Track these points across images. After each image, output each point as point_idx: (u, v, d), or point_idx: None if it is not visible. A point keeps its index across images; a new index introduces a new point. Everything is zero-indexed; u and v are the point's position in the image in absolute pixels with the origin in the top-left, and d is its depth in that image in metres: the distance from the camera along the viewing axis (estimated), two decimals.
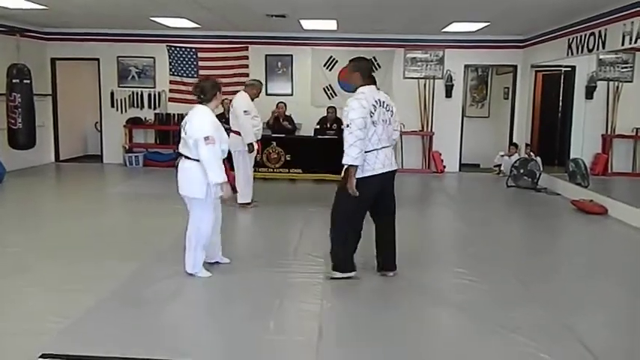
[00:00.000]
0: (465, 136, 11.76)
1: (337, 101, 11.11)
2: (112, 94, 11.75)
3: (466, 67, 11.60)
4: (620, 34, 7.43)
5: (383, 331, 3.74)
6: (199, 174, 4.47)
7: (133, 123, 11.71)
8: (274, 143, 9.50)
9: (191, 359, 3.25)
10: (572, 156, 9.41)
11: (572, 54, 9.02)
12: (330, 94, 11.52)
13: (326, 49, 11.47)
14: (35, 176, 10.07)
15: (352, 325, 3.90)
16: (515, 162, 10.00)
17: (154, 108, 11.73)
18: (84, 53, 11.58)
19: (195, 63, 11.45)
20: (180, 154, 4.64)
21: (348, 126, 4.31)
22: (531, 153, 10.21)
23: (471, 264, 5.20)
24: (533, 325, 3.83)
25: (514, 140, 11.36)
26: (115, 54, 11.63)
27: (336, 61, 11.40)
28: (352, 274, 4.67)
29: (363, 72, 4.57)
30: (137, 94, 11.75)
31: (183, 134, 4.54)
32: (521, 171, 9.74)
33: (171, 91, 11.56)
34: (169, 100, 11.61)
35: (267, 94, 10.59)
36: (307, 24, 10.01)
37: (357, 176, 4.40)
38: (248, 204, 7.41)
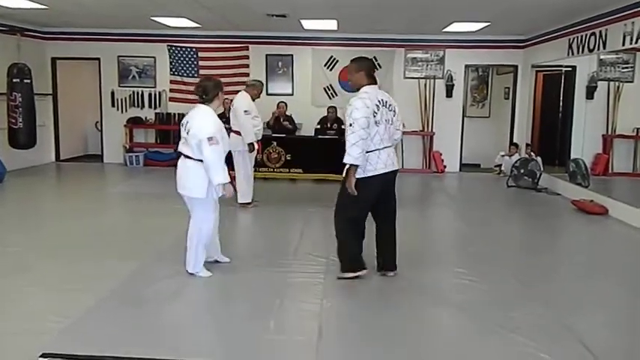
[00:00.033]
0: (465, 136, 11.76)
1: (338, 101, 11.14)
2: (113, 93, 11.76)
3: (467, 67, 11.60)
4: (620, 35, 7.43)
5: (383, 330, 3.75)
6: (200, 174, 4.47)
7: (134, 123, 11.72)
8: (275, 143, 9.50)
9: (191, 359, 3.25)
10: (572, 156, 9.41)
11: (572, 54, 9.01)
12: (331, 94, 11.52)
13: (326, 48, 11.47)
14: (36, 176, 10.08)
15: (352, 325, 3.90)
16: (516, 162, 10.00)
17: (155, 108, 11.74)
18: (84, 53, 11.59)
19: (195, 63, 11.45)
20: (181, 153, 4.64)
21: (351, 125, 4.31)
22: (532, 153, 10.21)
23: (471, 264, 5.20)
24: (533, 325, 3.83)
25: (514, 140, 11.37)
26: (115, 53, 11.63)
27: (337, 61, 11.40)
28: (363, 272, 4.66)
29: (366, 72, 4.58)
30: (138, 93, 11.76)
31: (184, 133, 4.53)
32: (522, 171, 9.74)
33: (171, 90, 11.57)
34: (170, 100, 11.62)
35: (267, 94, 10.59)
36: (308, 24, 10.01)
37: (359, 176, 4.40)
38: (248, 204, 7.42)
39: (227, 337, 3.68)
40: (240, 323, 3.82)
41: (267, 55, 11.55)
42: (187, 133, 4.46)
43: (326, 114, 10.45)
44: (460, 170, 11.70)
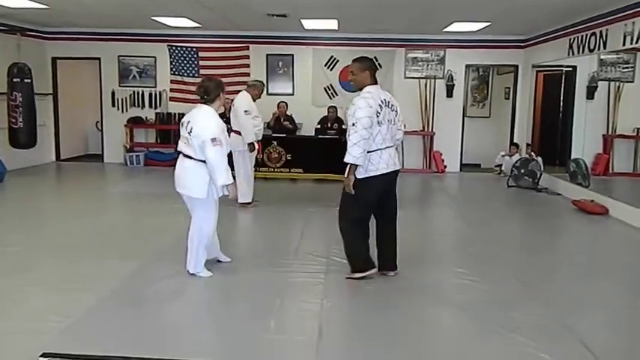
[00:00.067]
0: (465, 136, 11.76)
1: (338, 101, 11.15)
2: (113, 93, 11.75)
3: (467, 66, 11.60)
4: (621, 35, 7.43)
5: (383, 330, 3.74)
6: (201, 174, 4.46)
7: (134, 122, 11.72)
8: (275, 143, 9.51)
9: (192, 359, 3.25)
10: (573, 156, 9.41)
11: (573, 54, 9.01)
12: (331, 93, 11.52)
13: (327, 48, 11.47)
14: (36, 175, 10.08)
15: (352, 325, 3.91)
16: (516, 162, 10.00)
17: (155, 107, 11.74)
18: (85, 52, 11.59)
19: (196, 62, 11.45)
20: (180, 152, 4.64)
21: (353, 125, 4.31)
22: (532, 153, 10.21)
23: (471, 264, 5.20)
24: (534, 324, 3.83)
25: (515, 140, 11.37)
26: (115, 53, 11.63)
27: (337, 61, 11.41)
28: (372, 271, 4.66)
29: (371, 72, 4.58)
30: (138, 93, 11.75)
31: (184, 133, 4.51)
32: (522, 171, 9.74)
33: (172, 90, 11.56)
34: (170, 100, 11.62)
35: (268, 94, 10.58)
36: (308, 24, 10.01)
37: (361, 176, 4.41)
38: (248, 203, 7.41)
39: (227, 336, 3.68)
40: (241, 323, 3.82)
41: (267, 55, 11.55)
42: (189, 133, 4.45)
43: (326, 114, 10.45)
44: (460, 170, 11.70)
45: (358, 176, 4.43)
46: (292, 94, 11.49)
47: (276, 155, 9.50)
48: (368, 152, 4.38)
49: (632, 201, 7.31)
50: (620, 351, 3.58)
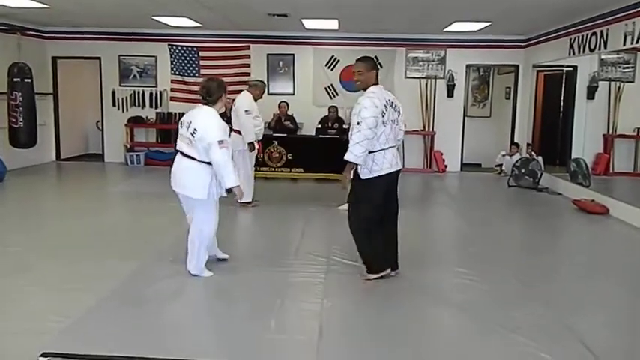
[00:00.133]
0: (466, 136, 11.77)
1: (339, 101, 11.16)
2: (114, 93, 11.76)
3: (468, 66, 11.60)
4: (621, 34, 7.43)
5: (384, 330, 3.75)
6: (203, 175, 4.46)
7: (135, 122, 11.73)
8: (276, 142, 9.50)
9: (192, 358, 3.25)
10: (573, 156, 9.41)
11: (573, 54, 9.01)
12: (332, 93, 11.52)
13: (328, 48, 11.47)
14: (36, 175, 10.08)
15: (353, 325, 3.90)
16: (517, 162, 10.00)
17: (156, 107, 11.74)
18: (85, 52, 11.59)
19: (196, 62, 11.45)
20: (177, 151, 4.63)
21: (358, 124, 4.30)
22: (533, 153, 10.21)
23: (471, 264, 5.19)
24: (534, 324, 3.83)
25: (515, 140, 11.37)
26: (116, 53, 11.63)
27: (338, 61, 11.41)
28: (387, 272, 4.67)
29: (376, 71, 4.58)
30: (138, 93, 11.76)
31: (186, 134, 4.48)
32: (523, 171, 9.73)
33: (172, 90, 11.57)
34: (171, 99, 11.62)
35: (269, 94, 10.55)
36: (309, 23, 10.01)
37: (365, 177, 4.43)
38: (249, 203, 7.41)
39: (228, 336, 3.68)
40: (241, 323, 3.83)
41: (268, 55, 11.55)
42: (192, 135, 4.41)
43: (327, 113, 10.44)
44: (461, 170, 11.70)
45: (363, 177, 4.44)
46: (293, 94, 11.48)
47: (277, 155, 9.50)
48: (372, 152, 4.38)
49: (633, 201, 7.31)
50: (620, 351, 3.58)
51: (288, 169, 9.56)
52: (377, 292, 4.46)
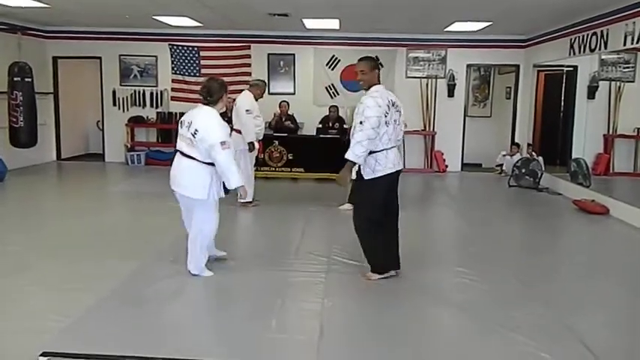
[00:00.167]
0: (467, 136, 11.77)
1: (339, 100, 11.16)
2: (114, 92, 11.76)
3: (468, 66, 11.60)
4: (622, 34, 7.42)
5: (384, 330, 3.75)
6: (203, 175, 4.46)
7: (135, 122, 11.73)
8: (276, 142, 9.52)
9: (192, 358, 3.25)
10: (573, 156, 9.40)
11: (574, 54, 9.01)
12: (333, 93, 11.52)
13: (328, 48, 11.47)
14: (37, 175, 10.09)
15: (353, 324, 3.91)
16: (517, 162, 10.00)
17: (156, 107, 11.74)
18: (86, 52, 11.59)
19: (197, 62, 11.45)
20: (177, 151, 4.62)
21: (361, 123, 4.30)
22: (533, 153, 10.21)
23: (472, 263, 5.19)
24: (534, 324, 3.83)
25: (516, 140, 11.37)
26: (116, 52, 11.63)
27: (339, 60, 11.41)
28: (390, 273, 4.68)
29: (379, 71, 4.58)
30: (139, 92, 11.76)
31: (186, 134, 4.47)
32: (523, 171, 9.73)
33: (173, 89, 11.57)
34: (171, 99, 11.62)
35: (269, 93, 10.53)
36: (310, 23, 10.01)
37: (369, 177, 4.44)
38: (249, 203, 7.41)
39: (228, 336, 3.68)
40: (241, 322, 3.83)
41: (269, 55, 11.55)
42: (193, 135, 4.40)
43: (328, 113, 10.43)
44: (462, 170, 11.70)
45: (366, 177, 4.45)
46: (293, 94, 11.48)
47: (278, 155, 9.51)
48: (375, 152, 4.38)
49: (633, 201, 7.31)
50: (620, 351, 3.58)
51: (289, 169, 9.57)
52: (377, 292, 4.46)
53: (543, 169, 9.67)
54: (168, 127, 11.52)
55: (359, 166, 4.48)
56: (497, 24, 9.52)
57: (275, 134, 9.74)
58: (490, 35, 10.85)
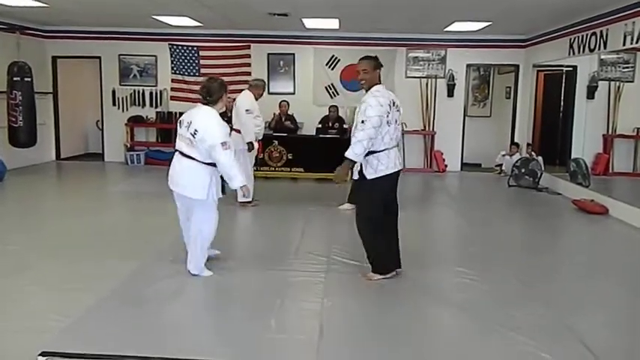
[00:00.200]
0: (466, 136, 11.77)
1: (339, 100, 11.17)
2: (114, 92, 11.75)
3: (468, 66, 11.60)
4: (621, 34, 7.43)
5: (384, 329, 3.75)
6: (203, 175, 4.46)
7: (135, 121, 11.72)
8: (276, 142, 9.52)
9: (192, 358, 3.25)
10: (573, 156, 9.41)
11: (573, 54, 9.01)
12: (332, 93, 11.52)
13: (328, 47, 11.46)
14: (36, 174, 10.08)
15: (353, 324, 3.91)
16: (517, 161, 10.00)
17: (156, 106, 11.74)
18: (85, 51, 11.58)
19: (197, 61, 11.45)
20: (176, 151, 4.62)
21: (362, 122, 4.30)
22: (533, 152, 10.21)
23: (472, 263, 5.19)
24: (534, 324, 3.83)
25: (515, 140, 11.37)
26: (116, 52, 11.62)
27: (339, 60, 11.41)
28: (392, 274, 4.69)
29: (379, 70, 4.58)
30: (139, 92, 11.75)
31: (186, 134, 4.46)
32: (523, 170, 9.74)
33: (172, 89, 11.57)
34: (171, 99, 11.62)
35: (269, 93, 10.54)
36: (309, 23, 10.00)
37: (371, 177, 4.44)
38: (249, 203, 7.41)
39: (228, 336, 3.68)
40: (241, 322, 3.83)
41: (268, 54, 11.54)
42: (193, 135, 4.40)
43: (327, 113, 10.43)
44: (461, 170, 11.70)
45: (369, 177, 4.44)
46: (293, 94, 11.48)
47: (277, 154, 9.51)
48: (377, 152, 4.39)
49: (632, 201, 7.31)
50: (620, 351, 3.58)
51: (289, 169, 9.58)
52: (377, 292, 4.46)
53: (543, 168, 9.67)
54: (167, 127, 11.51)
55: (360, 167, 4.47)
56: (497, 24, 9.52)
57: (275, 134, 9.73)
58: (490, 35, 10.85)
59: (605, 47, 7.96)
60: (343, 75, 11.35)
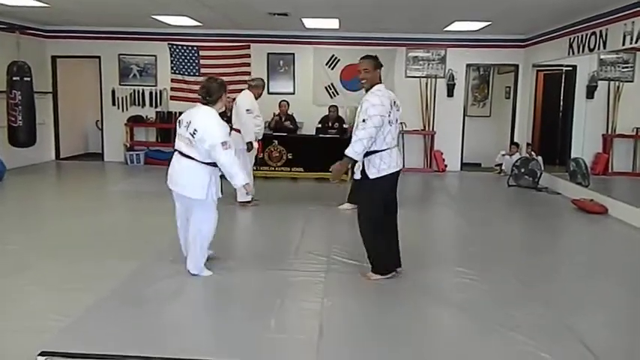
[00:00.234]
0: (466, 136, 11.77)
1: (339, 100, 11.17)
2: (113, 92, 11.75)
3: (468, 66, 11.60)
4: (620, 34, 7.43)
5: (384, 329, 3.75)
6: (202, 175, 4.46)
7: (134, 121, 11.72)
8: (276, 142, 9.52)
9: (192, 358, 3.25)
10: (572, 155, 9.41)
11: (573, 53, 9.01)
12: (332, 93, 11.52)
13: (328, 47, 11.46)
14: (36, 174, 10.08)
15: (353, 324, 3.91)
16: (517, 161, 10.00)
17: (156, 106, 11.74)
18: (85, 51, 11.58)
19: (196, 61, 11.45)
20: (176, 151, 4.62)
21: (364, 121, 4.30)
22: (532, 152, 10.21)
23: (471, 263, 5.19)
24: (534, 324, 3.83)
25: (515, 139, 11.37)
26: (116, 52, 11.62)
27: (338, 60, 11.41)
28: (391, 274, 4.69)
29: (380, 69, 4.58)
30: (138, 92, 11.75)
31: (185, 134, 4.46)
32: (522, 170, 9.74)
33: (172, 89, 11.57)
34: (171, 99, 11.62)
35: (269, 93, 10.56)
36: (309, 22, 10.00)
37: (374, 176, 4.44)
38: (248, 202, 7.41)
39: (228, 336, 3.68)
40: (241, 322, 3.83)
41: (268, 54, 11.54)
42: (192, 135, 4.39)
43: (327, 113, 10.43)
44: (461, 169, 11.70)
45: (371, 177, 4.44)
46: (293, 93, 11.47)
47: (277, 154, 9.51)
48: (380, 151, 4.39)
49: (632, 200, 7.31)
50: (620, 351, 3.58)
51: (288, 169, 9.58)
52: (377, 292, 4.46)
53: (542, 168, 9.68)
54: (167, 127, 11.51)
55: (362, 166, 4.47)
56: (497, 24, 9.52)
57: (275, 134, 9.73)
58: (489, 35, 10.85)
59: (604, 47, 7.96)
60: (343, 75, 11.35)
